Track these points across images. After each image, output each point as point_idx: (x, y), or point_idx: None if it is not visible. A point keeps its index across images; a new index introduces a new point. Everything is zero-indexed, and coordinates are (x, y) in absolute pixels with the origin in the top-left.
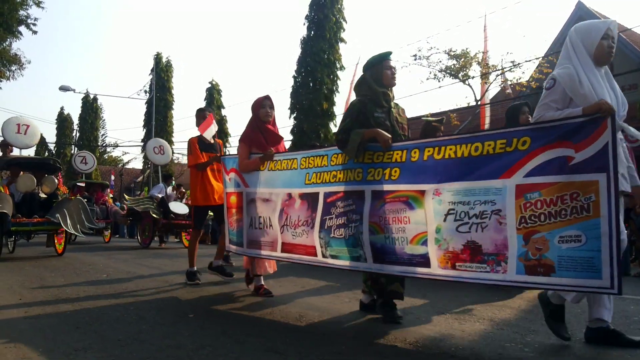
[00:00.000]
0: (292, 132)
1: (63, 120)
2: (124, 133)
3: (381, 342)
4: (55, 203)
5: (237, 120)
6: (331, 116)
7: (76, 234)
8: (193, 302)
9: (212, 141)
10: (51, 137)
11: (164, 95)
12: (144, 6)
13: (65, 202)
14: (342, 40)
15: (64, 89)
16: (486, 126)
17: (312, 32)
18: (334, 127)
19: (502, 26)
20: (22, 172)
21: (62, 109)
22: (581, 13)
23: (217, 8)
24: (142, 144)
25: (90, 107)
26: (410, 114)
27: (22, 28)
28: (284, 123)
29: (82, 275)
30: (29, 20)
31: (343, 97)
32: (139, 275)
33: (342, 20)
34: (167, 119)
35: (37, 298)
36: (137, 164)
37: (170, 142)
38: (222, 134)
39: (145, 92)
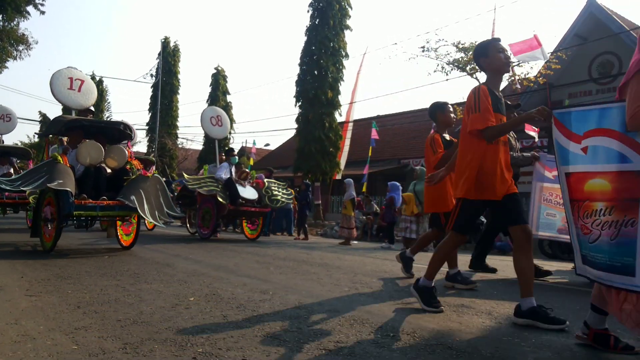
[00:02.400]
0: (297, 120)
1: None
2: (129, 116)
3: (379, 332)
4: (127, 181)
5: (243, 106)
6: (336, 105)
7: (155, 222)
8: (194, 286)
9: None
10: None
11: (170, 79)
12: None
13: (140, 181)
14: (348, 27)
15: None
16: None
17: (317, 20)
18: (339, 117)
19: (511, 20)
20: (84, 139)
21: None
22: (592, 9)
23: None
24: (146, 127)
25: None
26: (417, 106)
27: (30, 8)
28: (289, 111)
29: (84, 256)
30: (36, 0)
31: (348, 86)
32: (140, 257)
33: (347, 7)
34: (172, 103)
35: (38, 277)
36: (142, 148)
37: (175, 127)
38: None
39: (152, 75)
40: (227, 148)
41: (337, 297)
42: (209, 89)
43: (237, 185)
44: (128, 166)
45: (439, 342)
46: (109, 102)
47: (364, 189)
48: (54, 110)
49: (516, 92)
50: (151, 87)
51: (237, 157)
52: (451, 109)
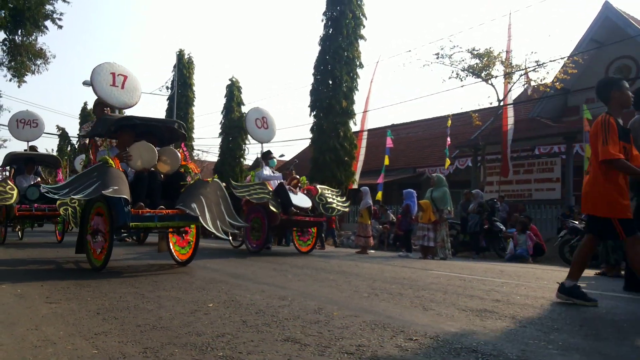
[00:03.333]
0: (311, 130)
1: (86, 115)
2: None
3: (401, 336)
4: (184, 187)
5: None
6: (350, 114)
7: (217, 233)
8: (212, 293)
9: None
10: (74, 132)
11: (185, 91)
12: (168, 3)
13: (199, 187)
14: (362, 37)
15: (87, 83)
16: (508, 127)
17: (331, 30)
18: (354, 126)
19: (526, 25)
20: (134, 141)
21: (85, 103)
22: (608, 13)
23: (239, 6)
24: None
25: None
26: (432, 113)
27: (48, 22)
28: (304, 121)
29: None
30: (54, 15)
31: (362, 95)
32: (158, 265)
33: (361, 17)
34: (188, 115)
35: (58, 285)
36: None
37: (191, 139)
38: (242, 130)
39: (167, 88)
40: (264, 151)
41: (356, 302)
42: (223, 100)
43: (288, 192)
44: (182, 169)
45: (463, 345)
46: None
47: (378, 197)
48: (73, 124)
49: (532, 97)
50: (167, 99)
51: (275, 160)
52: (628, 86)
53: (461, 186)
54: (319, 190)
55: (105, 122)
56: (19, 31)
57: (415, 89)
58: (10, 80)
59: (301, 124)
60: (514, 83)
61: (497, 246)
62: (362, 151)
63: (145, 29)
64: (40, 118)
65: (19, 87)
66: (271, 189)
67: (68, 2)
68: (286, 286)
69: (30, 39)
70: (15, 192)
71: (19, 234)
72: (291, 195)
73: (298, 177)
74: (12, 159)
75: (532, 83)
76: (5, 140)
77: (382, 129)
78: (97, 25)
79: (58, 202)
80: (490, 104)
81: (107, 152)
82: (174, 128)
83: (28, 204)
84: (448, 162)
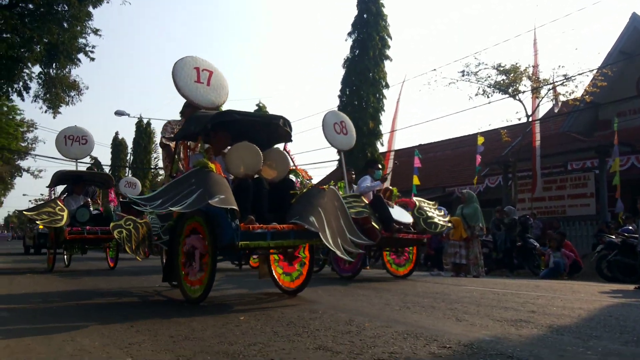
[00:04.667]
0: (338, 151)
1: (118, 144)
2: None
3: (435, 345)
4: (294, 197)
5: None
6: (377, 135)
7: (339, 253)
8: (243, 306)
9: None
10: (106, 160)
11: None
12: (194, 34)
13: (315, 196)
14: (388, 57)
15: (119, 113)
16: (537, 143)
17: (357, 51)
18: (381, 146)
19: (553, 39)
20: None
21: (116, 133)
22: (636, 24)
23: (265, 31)
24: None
25: (144, 131)
26: (459, 132)
27: (81, 55)
28: None
29: (135, 283)
30: (87, 48)
31: (389, 116)
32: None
33: (387, 38)
34: None
35: (93, 302)
36: None
37: None
38: None
39: None
40: (370, 158)
41: (388, 314)
42: None
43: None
44: (290, 175)
45: (499, 352)
46: (156, 144)
47: None
48: (105, 154)
49: (562, 112)
50: None
51: (381, 171)
52: None
53: (492, 204)
54: (417, 203)
55: (200, 120)
56: (54, 64)
57: (441, 107)
58: (45, 111)
59: (328, 146)
60: (542, 98)
61: (532, 264)
62: (389, 171)
63: (175, 58)
64: (89, 134)
65: (54, 117)
66: (367, 202)
67: (100, 36)
68: (317, 300)
69: (64, 71)
70: (65, 214)
71: (65, 260)
72: (389, 209)
73: (390, 187)
74: (61, 178)
75: (561, 98)
76: (41, 171)
77: (410, 149)
78: (128, 57)
79: (112, 224)
80: (519, 120)
81: (204, 154)
82: (278, 125)
83: (79, 226)
84: (476, 179)
